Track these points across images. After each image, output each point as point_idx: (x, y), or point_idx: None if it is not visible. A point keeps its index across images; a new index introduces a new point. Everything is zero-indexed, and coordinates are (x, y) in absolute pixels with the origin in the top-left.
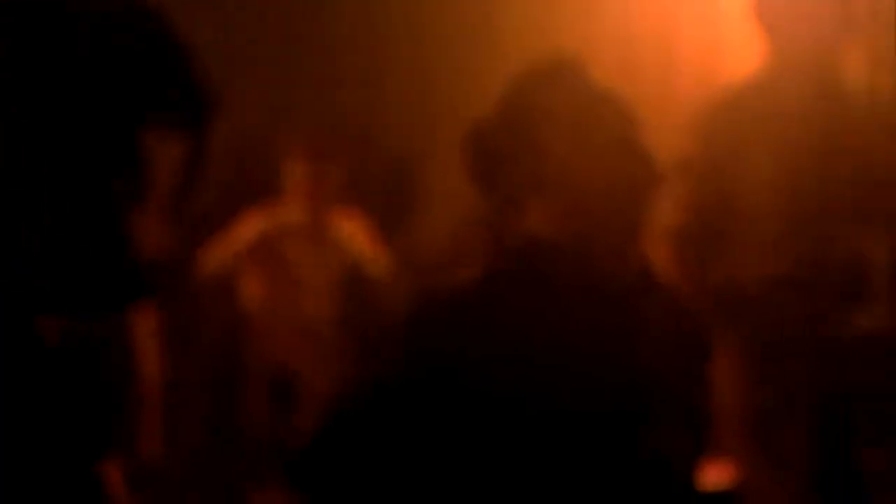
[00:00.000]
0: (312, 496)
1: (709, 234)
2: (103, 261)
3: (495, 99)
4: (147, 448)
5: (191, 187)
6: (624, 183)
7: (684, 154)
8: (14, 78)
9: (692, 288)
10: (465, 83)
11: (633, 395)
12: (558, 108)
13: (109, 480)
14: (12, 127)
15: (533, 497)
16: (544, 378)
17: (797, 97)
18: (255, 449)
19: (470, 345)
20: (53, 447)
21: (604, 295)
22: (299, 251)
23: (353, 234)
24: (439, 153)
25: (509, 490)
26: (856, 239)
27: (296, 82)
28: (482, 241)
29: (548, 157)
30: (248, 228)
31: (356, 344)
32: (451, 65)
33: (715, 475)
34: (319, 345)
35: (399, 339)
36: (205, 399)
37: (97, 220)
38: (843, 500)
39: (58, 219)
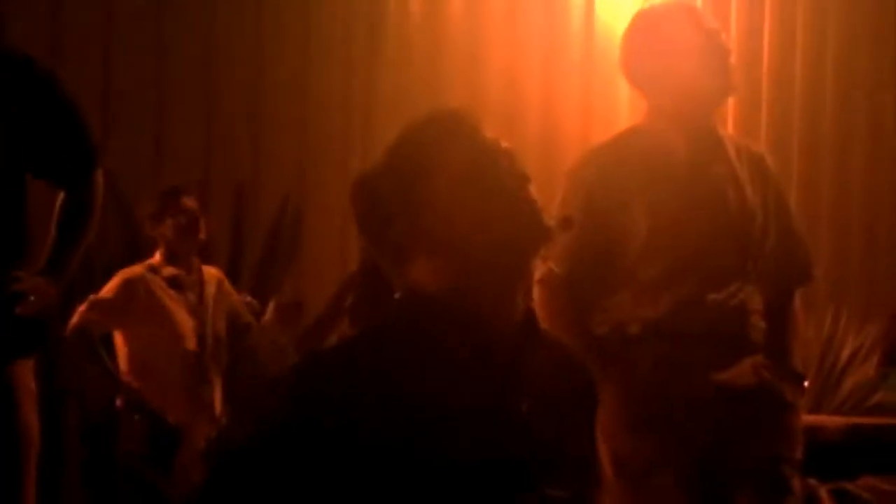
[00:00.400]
0: None
1: (591, 282)
2: None
3: (384, 151)
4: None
5: (74, 244)
6: (511, 238)
7: (566, 203)
8: None
9: (575, 338)
10: (347, 139)
11: (518, 446)
12: (447, 162)
13: None
14: None
15: None
16: (427, 430)
17: (678, 149)
18: (134, 499)
19: (353, 396)
20: None
21: (488, 348)
22: (175, 303)
23: (229, 286)
24: (320, 206)
25: None
26: (736, 289)
27: (174, 140)
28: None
29: (435, 211)
30: (123, 281)
31: (237, 394)
32: (331, 119)
33: None
34: (197, 395)
35: (284, 389)
36: (83, 449)
37: None
38: None
39: None
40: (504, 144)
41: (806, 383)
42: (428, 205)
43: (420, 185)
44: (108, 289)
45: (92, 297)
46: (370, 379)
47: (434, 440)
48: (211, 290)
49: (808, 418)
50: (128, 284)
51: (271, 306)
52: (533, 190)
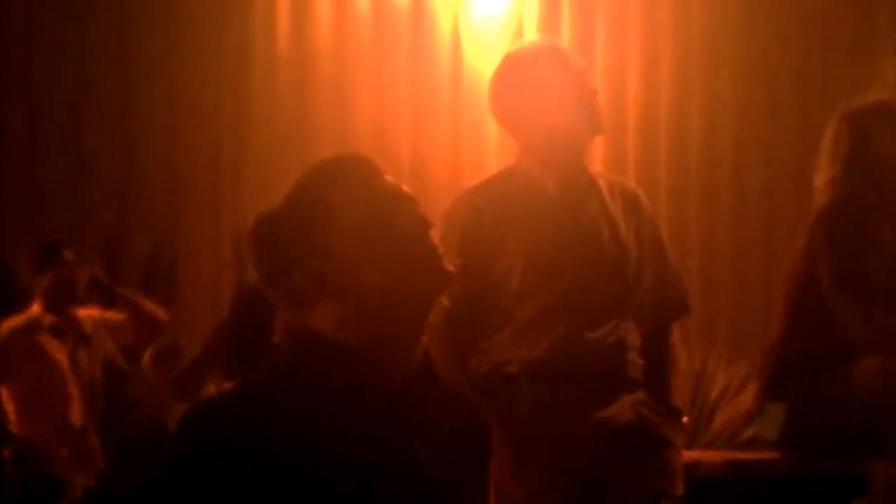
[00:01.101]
0: None
1: (471, 323)
2: None
3: (285, 194)
4: None
5: None
6: (413, 285)
7: (443, 243)
8: None
9: (457, 378)
10: (217, 183)
11: (412, 493)
12: (349, 207)
13: None
14: None
15: None
16: (321, 475)
17: (550, 189)
18: None
19: (244, 441)
20: None
21: (386, 394)
22: (58, 351)
23: (103, 331)
24: (192, 250)
25: None
26: (613, 327)
27: (45, 185)
28: (238, 341)
29: (337, 257)
30: (6, 331)
31: (114, 442)
32: (201, 163)
33: None
34: (78, 442)
35: (175, 438)
36: None
37: None
38: None
39: None
40: (406, 189)
41: (685, 419)
42: (330, 250)
43: (322, 231)
44: None
45: None
46: (262, 424)
47: (327, 485)
48: (87, 339)
49: (688, 454)
50: (10, 335)
51: (148, 352)
52: (434, 235)
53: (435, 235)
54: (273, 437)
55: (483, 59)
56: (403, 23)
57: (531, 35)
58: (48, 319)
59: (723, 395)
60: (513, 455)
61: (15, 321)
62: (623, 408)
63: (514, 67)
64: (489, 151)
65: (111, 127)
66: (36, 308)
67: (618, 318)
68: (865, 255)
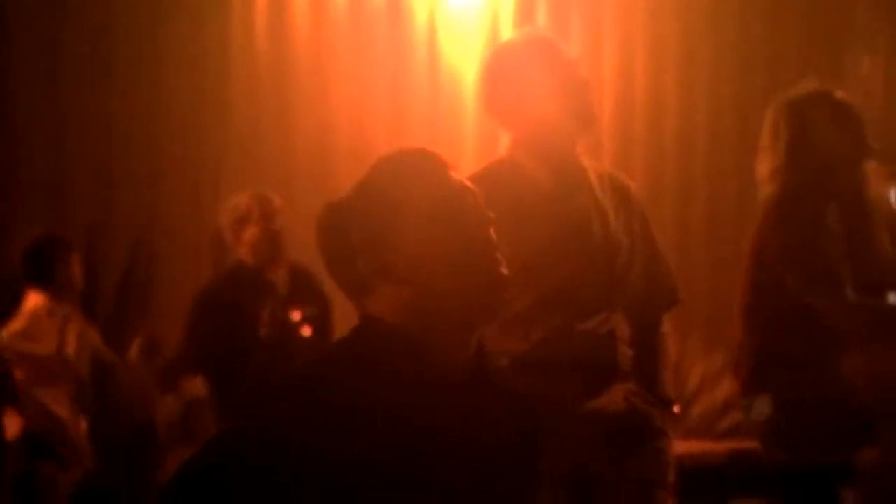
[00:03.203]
0: None
1: None
2: None
3: (355, 184)
4: None
5: None
6: (471, 283)
7: None
8: None
9: None
10: (198, 181)
11: (467, 482)
12: (416, 200)
13: None
14: None
15: None
16: (377, 459)
17: (541, 181)
18: None
19: (305, 422)
20: None
21: (438, 380)
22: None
23: (86, 327)
24: (172, 248)
25: None
26: (603, 318)
27: (24, 183)
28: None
29: (402, 247)
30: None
31: (103, 435)
32: (182, 162)
33: None
34: (65, 434)
35: (249, 421)
36: None
37: None
38: None
39: None
40: (470, 185)
41: (676, 409)
42: (395, 241)
43: (388, 221)
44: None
45: None
46: (325, 406)
47: (384, 470)
48: (73, 333)
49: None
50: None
51: (135, 344)
52: (493, 232)
53: (494, 233)
54: (333, 415)
55: (459, 53)
56: (380, 16)
57: (507, 28)
58: (44, 311)
59: (700, 386)
60: None
61: (14, 327)
62: (614, 398)
63: (505, 59)
64: (467, 143)
65: (91, 126)
66: (33, 303)
67: (608, 310)
68: (822, 241)
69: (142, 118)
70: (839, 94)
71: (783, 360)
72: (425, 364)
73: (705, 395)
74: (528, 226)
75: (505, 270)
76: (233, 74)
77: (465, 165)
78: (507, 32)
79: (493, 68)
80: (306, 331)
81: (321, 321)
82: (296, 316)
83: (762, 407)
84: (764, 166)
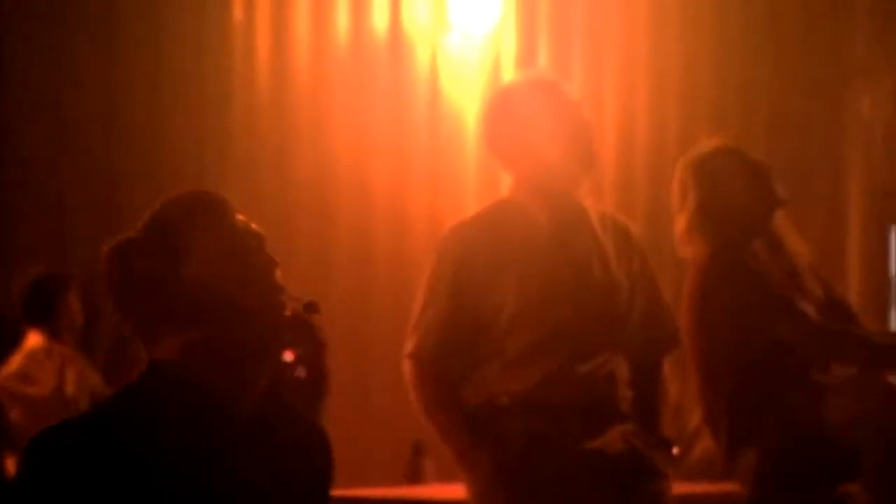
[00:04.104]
0: None
1: (460, 356)
2: None
3: (139, 225)
4: None
5: None
6: (256, 323)
7: (435, 277)
8: None
9: (444, 412)
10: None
11: None
12: (201, 242)
13: None
14: None
15: None
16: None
17: (543, 222)
18: None
19: (91, 467)
20: None
21: (228, 424)
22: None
23: (85, 366)
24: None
25: None
26: (604, 360)
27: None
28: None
29: (187, 290)
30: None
31: None
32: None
33: None
34: None
35: (22, 468)
36: None
37: None
38: None
39: None
40: (254, 227)
41: (675, 450)
42: (178, 283)
43: (172, 263)
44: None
45: None
46: (111, 451)
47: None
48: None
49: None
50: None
51: None
52: (279, 275)
53: (280, 276)
54: (116, 465)
55: (460, 91)
56: (381, 53)
57: (508, 68)
58: (43, 351)
59: (700, 429)
60: (506, 487)
61: (11, 368)
62: (614, 439)
63: (508, 100)
64: (468, 183)
65: (91, 162)
66: (31, 343)
67: (609, 352)
68: (765, 280)
69: (141, 153)
70: (744, 148)
71: (760, 411)
72: (210, 405)
73: (705, 438)
74: (529, 266)
75: (288, 313)
76: (233, 109)
77: (466, 205)
78: (509, 72)
79: (495, 109)
80: (301, 372)
81: (315, 361)
82: (289, 356)
83: (748, 458)
84: (679, 225)
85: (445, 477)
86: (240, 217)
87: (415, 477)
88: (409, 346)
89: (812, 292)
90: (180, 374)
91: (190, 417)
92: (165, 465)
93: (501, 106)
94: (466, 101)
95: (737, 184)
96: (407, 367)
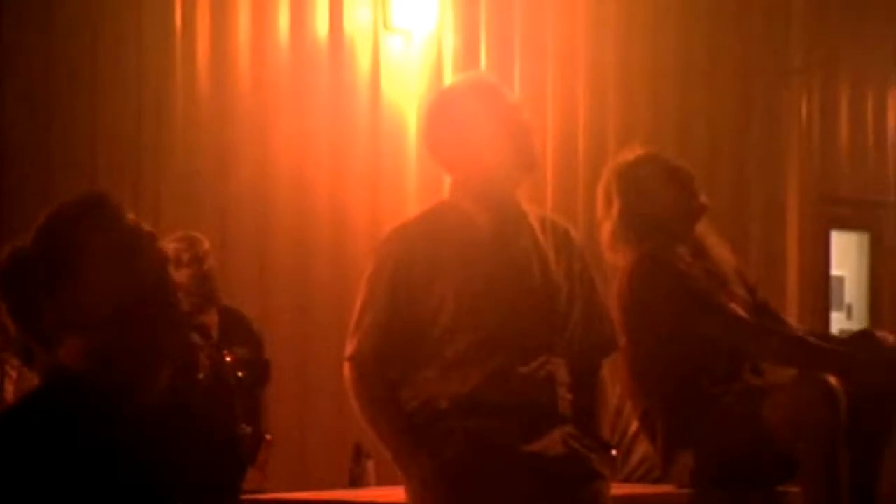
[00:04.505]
0: None
1: (400, 358)
2: None
3: (31, 233)
4: None
5: None
6: (150, 322)
7: (374, 278)
8: None
9: (383, 414)
10: (138, 217)
11: None
12: (91, 245)
13: None
14: None
15: None
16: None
17: (482, 224)
18: None
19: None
20: None
21: (126, 425)
22: None
23: (25, 371)
24: None
25: None
26: (543, 362)
27: None
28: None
29: (80, 293)
30: None
31: None
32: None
33: None
34: None
35: None
36: None
37: None
38: None
39: None
40: (147, 227)
41: (614, 452)
42: (74, 287)
43: (66, 267)
44: None
45: None
46: (18, 460)
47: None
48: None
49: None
50: None
51: None
52: (172, 272)
53: (173, 273)
54: (15, 468)
55: (402, 93)
56: (322, 56)
57: (449, 70)
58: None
59: (639, 432)
60: (445, 489)
61: None
62: (553, 441)
63: (447, 102)
64: (409, 185)
65: (30, 156)
66: None
67: (548, 354)
68: (693, 283)
69: (80, 159)
70: (666, 155)
71: (695, 414)
72: (111, 406)
73: (644, 441)
74: (468, 269)
75: (185, 309)
76: (173, 113)
77: (407, 207)
78: (450, 74)
79: (435, 111)
80: (240, 373)
81: (254, 363)
82: (228, 358)
83: (685, 461)
84: (604, 234)
85: (387, 480)
86: (131, 217)
87: (357, 480)
88: (348, 348)
89: (738, 294)
90: (80, 378)
91: (93, 419)
92: (72, 466)
93: (441, 109)
94: (407, 103)
95: (660, 192)
96: (346, 369)
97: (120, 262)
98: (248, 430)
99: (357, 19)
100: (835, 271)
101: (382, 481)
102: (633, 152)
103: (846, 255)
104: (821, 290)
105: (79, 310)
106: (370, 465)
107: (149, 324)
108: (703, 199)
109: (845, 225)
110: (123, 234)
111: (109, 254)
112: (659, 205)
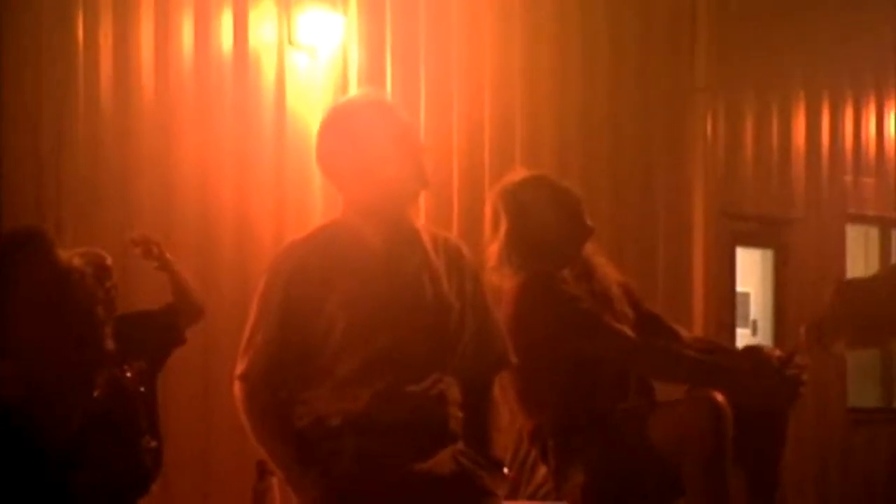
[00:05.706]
0: None
1: (291, 376)
2: None
3: None
4: None
5: None
6: (72, 354)
7: (265, 297)
8: None
9: (273, 433)
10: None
11: None
12: (19, 277)
13: None
14: None
15: None
16: None
17: (374, 242)
18: None
19: None
20: None
21: (50, 446)
22: None
23: None
24: None
25: None
26: (434, 380)
27: None
28: None
29: (8, 321)
30: None
31: None
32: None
33: None
34: None
35: None
36: None
37: None
38: None
39: None
40: (78, 263)
41: (506, 470)
42: (4, 314)
43: (3, 300)
44: None
45: None
46: None
47: None
48: None
49: None
50: None
51: None
52: (100, 310)
53: (101, 311)
54: None
55: (307, 108)
56: (227, 71)
57: (354, 84)
58: None
59: None
60: None
61: None
62: (444, 459)
63: (339, 120)
64: (314, 201)
65: None
66: None
67: (439, 372)
68: (580, 303)
69: None
70: (552, 177)
71: (584, 432)
72: (30, 432)
73: None
74: (360, 287)
75: (109, 345)
76: (75, 128)
77: (311, 222)
78: (355, 90)
79: (327, 129)
80: (142, 388)
81: (149, 375)
82: (129, 374)
83: (576, 479)
84: (490, 256)
85: (292, 498)
86: (62, 253)
87: (260, 498)
88: (239, 367)
89: (625, 313)
90: (7, 407)
91: (11, 445)
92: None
93: (332, 125)
94: (312, 118)
95: (546, 214)
96: (237, 388)
97: (44, 299)
98: (154, 444)
99: (261, 35)
100: (740, 288)
101: (288, 499)
102: (519, 174)
103: (751, 271)
104: (726, 306)
105: (4, 339)
106: (274, 482)
107: (71, 358)
108: (588, 222)
109: (750, 242)
110: (49, 271)
111: (34, 290)
112: (544, 228)
